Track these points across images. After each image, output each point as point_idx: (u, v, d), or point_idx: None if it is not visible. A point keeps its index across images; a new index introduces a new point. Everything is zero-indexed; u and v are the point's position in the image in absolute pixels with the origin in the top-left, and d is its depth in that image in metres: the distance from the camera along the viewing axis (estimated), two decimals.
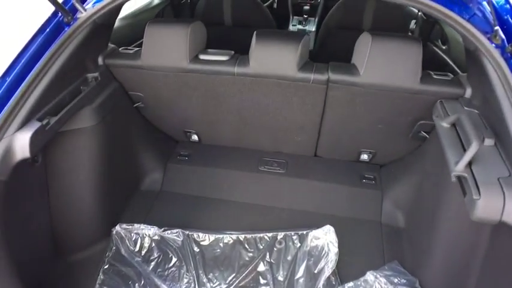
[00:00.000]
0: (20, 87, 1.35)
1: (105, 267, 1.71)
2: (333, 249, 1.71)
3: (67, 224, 1.71)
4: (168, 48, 1.69)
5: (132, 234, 1.81)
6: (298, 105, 1.79)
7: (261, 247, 1.78)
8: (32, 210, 1.56)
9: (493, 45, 1.29)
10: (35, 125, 1.32)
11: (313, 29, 3.33)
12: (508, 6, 1.40)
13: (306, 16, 3.34)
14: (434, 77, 1.59)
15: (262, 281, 1.66)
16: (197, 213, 1.98)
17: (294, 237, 1.79)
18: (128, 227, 1.83)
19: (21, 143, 1.28)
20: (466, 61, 1.58)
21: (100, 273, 1.69)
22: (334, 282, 1.64)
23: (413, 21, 2.84)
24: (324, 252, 1.71)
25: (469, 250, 1.39)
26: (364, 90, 1.61)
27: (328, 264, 1.66)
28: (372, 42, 1.55)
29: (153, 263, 1.73)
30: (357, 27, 2.54)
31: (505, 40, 1.28)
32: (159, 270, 1.71)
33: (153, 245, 1.79)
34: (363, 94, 1.63)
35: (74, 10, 1.53)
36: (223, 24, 2.76)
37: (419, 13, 2.76)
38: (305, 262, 1.68)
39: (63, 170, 1.65)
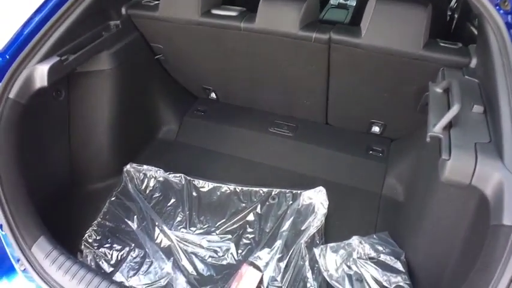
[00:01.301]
0: (45, 25, 1.52)
1: (112, 199, 1.89)
2: (322, 210, 1.73)
3: (84, 157, 1.90)
4: (183, 1, 1.77)
5: (140, 174, 1.96)
6: (303, 65, 1.81)
7: (255, 200, 1.84)
8: (53, 140, 1.76)
9: (501, 11, 1.21)
10: (54, 59, 1.49)
11: (354, 3, 3.23)
12: None
13: None
14: (441, 44, 1.52)
15: (248, 229, 1.73)
16: (203, 163, 2.08)
17: (288, 195, 1.83)
18: (137, 166, 1.99)
19: (41, 73, 1.46)
20: (478, 29, 1.48)
21: (106, 203, 1.86)
22: (317, 241, 1.66)
23: None
24: (313, 211, 1.74)
25: (453, 227, 1.34)
26: (365, 52, 1.58)
27: (314, 223, 1.68)
28: (376, 5, 1.51)
29: (154, 201, 1.87)
30: None
31: None
32: (157, 207, 1.85)
33: (157, 185, 1.93)
34: (365, 57, 1.60)
35: None
36: None
37: None
38: (292, 218, 1.72)
39: (83, 108, 1.84)
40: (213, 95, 2.34)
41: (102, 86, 1.84)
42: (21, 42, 1.49)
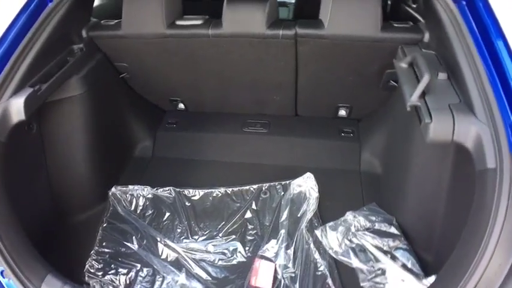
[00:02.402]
0: (11, 58, 1.46)
1: (104, 225, 1.84)
2: (314, 194, 1.84)
3: (65, 188, 1.84)
4: (146, 16, 1.79)
5: (127, 195, 1.94)
6: (272, 63, 1.91)
7: (247, 198, 1.91)
8: (31, 175, 1.69)
9: None
10: (28, 91, 1.44)
11: (293, 0, 3.42)
12: None
13: None
14: (395, 25, 1.70)
15: (249, 226, 1.80)
16: (187, 173, 2.11)
17: (278, 187, 1.93)
18: (123, 188, 1.96)
19: (17, 107, 1.40)
20: (424, 8, 1.68)
21: (99, 231, 1.82)
22: (316, 224, 1.78)
23: None
24: (305, 197, 1.85)
25: (436, 183, 1.53)
26: (330, 42, 1.72)
27: (310, 207, 1.79)
28: None
29: (148, 218, 1.86)
30: None
31: None
32: (154, 224, 1.84)
33: (147, 203, 1.92)
34: (330, 46, 1.74)
35: None
36: None
37: None
38: (288, 207, 1.82)
39: (58, 138, 1.78)
40: (181, 105, 2.36)
41: (75, 113, 1.80)
42: None
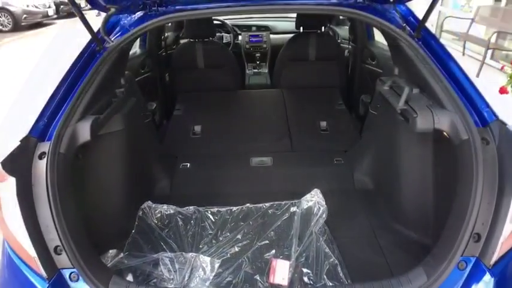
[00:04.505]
0: (76, 92, 1.72)
1: (129, 240, 2.03)
2: (322, 206, 2.07)
3: (98, 220, 1.96)
4: None
5: (156, 212, 2.18)
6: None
7: (262, 213, 2.16)
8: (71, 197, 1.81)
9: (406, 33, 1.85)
10: (91, 117, 1.70)
11: (266, 70, 4.19)
12: (407, 9, 2.02)
13: (258, 62, 4.21)
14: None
15: (266, 235, 2.01)
16: (205, 201, 2.28)
17: (288, 205, 2.18)
18: (153, 205, 2.20)
19: (83, 129, 1.65)
20: (390, 50, 2.20)
21: (126, 245, 2.00)
22: (325, 229, 2.02)
23: (346, 50, 3.76)
24: (314, 209, 2.08)
25: (423, 174, 1.94)
26: None
27: (320, 216, 2.01)
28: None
29: (173, 231, 2.08)
30: (305, 58, 3.42)
31: (411, 31, 1.84)
32: (177, 236, 2.05)
33: (173, 218, 2.14)
34: None
35: (103, 40, 1.87)
36: (196, 68, 3.45)
37: (350, 42, 3.67)
38: (300, 218, 2.05)
39: (98, 170, 2.00)
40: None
41: (114, 146, 2.05)
42: (53, 108, 1.68)
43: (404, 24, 1.84)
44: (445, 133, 1.62)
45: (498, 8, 6.90)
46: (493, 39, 6.17)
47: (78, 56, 1.92)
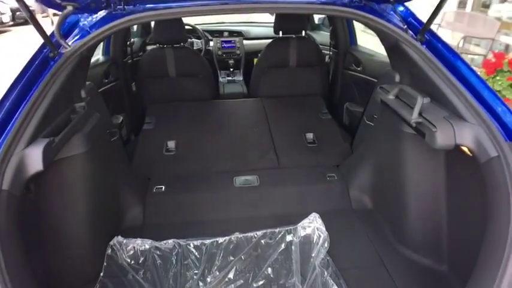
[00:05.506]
0: (23, 110, 1.38)
1: (103, 279, 1.71)
2: (323, 234, 1.83)
3: (62, 253, 1.68)
4: None
5: (129, 248, 1.84)
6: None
7: (252, 244, 1.86)
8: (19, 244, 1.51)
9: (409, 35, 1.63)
10: (44, 141, 1.36)
11: (241, 78, 3.86)
12: (407, 10, 1.82)
13: (231, 69, 3.90)
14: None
15: (260, 271, 1.72)
16: (183, 233, 1.96)
17: (283, 232, 1.89)
18: (123, 240, 1.85)
19: (35, 157, 1.31)
20: (389, 55, 1.95)
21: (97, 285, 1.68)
22: (328, 260, 1.75)
23: (327, 56, 3.54)
24: (314, 238, 1.83)
25: (434, 194, 1.71)
26: None
27: (321, 247, 1.77)
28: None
29: (149, 271, 1.75)
30: (285, 65, 3.15)
31: (413, 33, 1.64)
32: (155, 276, 1.73)
33: (149, 255, 1.81)
34: None
35: (59, 45, 1.59)
36: (167, 76, 3.12)
37: (331, 48, 3.45)
38: (298, 250, 1.78)
39: (55, 203, 1.65)
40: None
41: (76, 173, 1.70)
42: None
43: (405, 26, 1.64)
44: (465, 148, 1.40)
45: (463, 13, 7.04)
46: (460, 44, 6.25)
47: (27, 64, 1.56)
